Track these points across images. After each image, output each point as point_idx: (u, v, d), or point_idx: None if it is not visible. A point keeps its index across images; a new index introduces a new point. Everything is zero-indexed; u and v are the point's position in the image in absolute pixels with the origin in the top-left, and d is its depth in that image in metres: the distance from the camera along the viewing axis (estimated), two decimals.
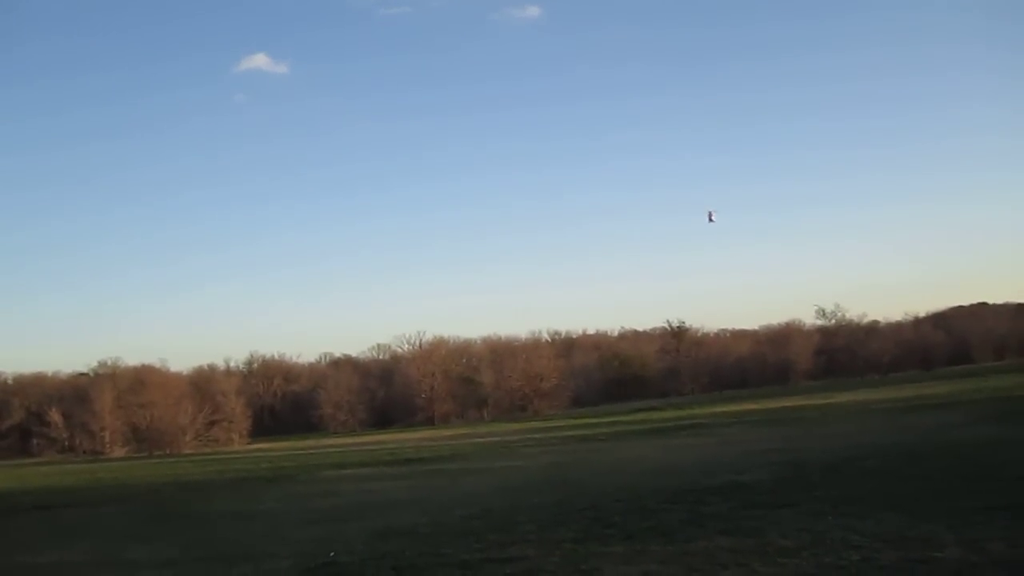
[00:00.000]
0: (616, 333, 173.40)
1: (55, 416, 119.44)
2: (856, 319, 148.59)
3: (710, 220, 54.04)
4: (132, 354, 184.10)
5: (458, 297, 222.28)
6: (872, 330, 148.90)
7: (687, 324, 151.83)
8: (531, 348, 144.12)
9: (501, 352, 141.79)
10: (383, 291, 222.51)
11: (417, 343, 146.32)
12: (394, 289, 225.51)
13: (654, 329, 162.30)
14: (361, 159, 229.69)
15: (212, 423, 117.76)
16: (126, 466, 72.97)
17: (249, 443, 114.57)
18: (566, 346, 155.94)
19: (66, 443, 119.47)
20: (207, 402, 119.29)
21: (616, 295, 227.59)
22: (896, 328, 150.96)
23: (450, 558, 12.96)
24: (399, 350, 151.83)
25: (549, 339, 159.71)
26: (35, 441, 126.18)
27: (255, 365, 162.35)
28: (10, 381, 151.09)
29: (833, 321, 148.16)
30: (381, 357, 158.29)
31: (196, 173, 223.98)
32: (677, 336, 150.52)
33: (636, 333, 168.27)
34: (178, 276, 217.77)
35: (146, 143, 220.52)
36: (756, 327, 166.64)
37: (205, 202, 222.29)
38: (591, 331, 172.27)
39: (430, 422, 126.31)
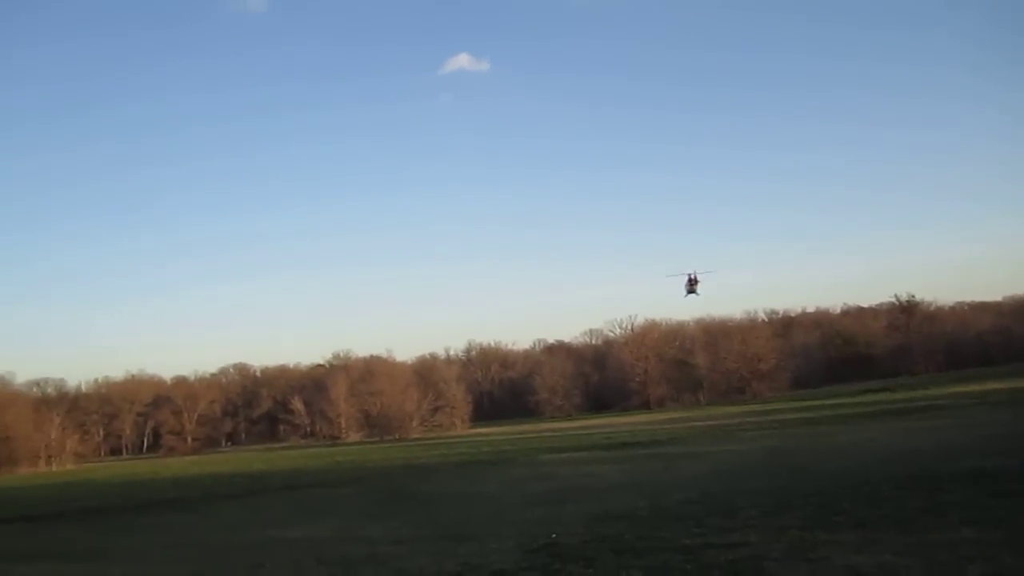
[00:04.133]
0: (838, 310, 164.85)
1: (298, 404, 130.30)
2: None
3: (691, 290, 46.46)
4: (362, 345, 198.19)
5: (668, 279, 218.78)
6: None
7: (918, 298, 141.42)
8: (747, 329, 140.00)
9: (715, 333, 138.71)
10: (593, 276, 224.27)
11: (629, 327, 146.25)
12: (604, 273, 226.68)
13: (880, 304, 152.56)
14: (564, 147, 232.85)
15: (436, 409, 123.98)
16: (360, 450, 78.20)
17: (470, 428, 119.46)
18: (784, 325, 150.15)
19: (308, 429, 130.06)
20: (430, 389, 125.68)
21: (837, 269, 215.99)
22: None
23: (670, 542, 12.84)
24: (611, 334, 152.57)
25: (766, 318, 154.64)
26: (281, 427, 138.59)
27: (473, 353, 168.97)
28: (258, 374, 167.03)
29: None
30: (594, 342, 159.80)
31: (415, 176, 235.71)
32: (907, 311, 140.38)
33: (860, 309, 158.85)
34: (400, 272, 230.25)
35: (369, 150, 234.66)
36: (999, 298, 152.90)
37: (422, 203, 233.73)
38: (811, 309, 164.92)
39: (645, 406, 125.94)
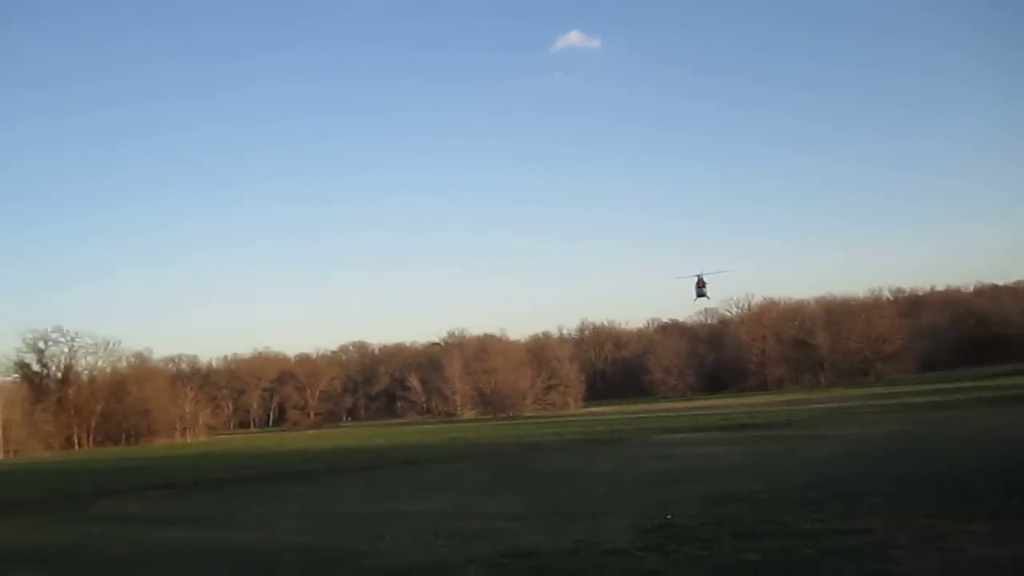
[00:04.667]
0: (971, 288, 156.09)
1: (414, 381, 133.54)
2: None
3: (701, 293, 45.03)
4: (476, 324, 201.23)
5: (787, 256, 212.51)
6: None
7: None
8: (871, 308, 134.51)
9: (837, 313, 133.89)
10: (709, 254, 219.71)
11: (746, 306, 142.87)
12: (720, 251, 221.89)
13: (1018, 283, 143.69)
14: (681, 122, 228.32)
15: (549, 388, 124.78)
16: (475, 427, 79.48)
17: (583, 407, 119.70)
18: (911, 305, 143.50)
19: (424, 405, 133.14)
20: (544, 368, 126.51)
21: (969, 246, 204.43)
22: None
23: (790, 527, 12.56)
24: (727, 314, 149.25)
25: (891, 297, 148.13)
26: (399, 404, 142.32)
27: (586, 332, 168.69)
28: (377, 351, 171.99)
29: None
30: (709, 321, 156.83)
31: (530, 153, 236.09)
32: None
33: (995, 288, 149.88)
34: (512, 250, 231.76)
35: (482, 126, 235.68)
36: None
37: (535, 180, 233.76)
38: (940, 287, 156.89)
39: (763, 387, 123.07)
